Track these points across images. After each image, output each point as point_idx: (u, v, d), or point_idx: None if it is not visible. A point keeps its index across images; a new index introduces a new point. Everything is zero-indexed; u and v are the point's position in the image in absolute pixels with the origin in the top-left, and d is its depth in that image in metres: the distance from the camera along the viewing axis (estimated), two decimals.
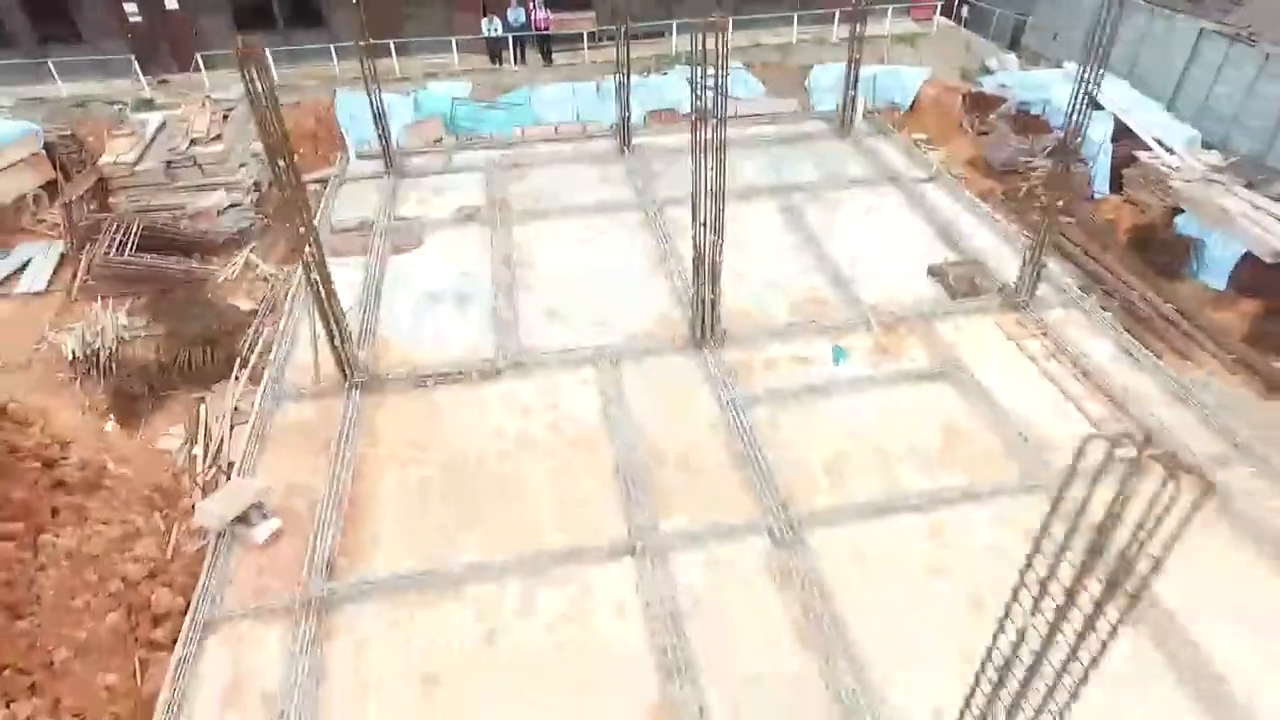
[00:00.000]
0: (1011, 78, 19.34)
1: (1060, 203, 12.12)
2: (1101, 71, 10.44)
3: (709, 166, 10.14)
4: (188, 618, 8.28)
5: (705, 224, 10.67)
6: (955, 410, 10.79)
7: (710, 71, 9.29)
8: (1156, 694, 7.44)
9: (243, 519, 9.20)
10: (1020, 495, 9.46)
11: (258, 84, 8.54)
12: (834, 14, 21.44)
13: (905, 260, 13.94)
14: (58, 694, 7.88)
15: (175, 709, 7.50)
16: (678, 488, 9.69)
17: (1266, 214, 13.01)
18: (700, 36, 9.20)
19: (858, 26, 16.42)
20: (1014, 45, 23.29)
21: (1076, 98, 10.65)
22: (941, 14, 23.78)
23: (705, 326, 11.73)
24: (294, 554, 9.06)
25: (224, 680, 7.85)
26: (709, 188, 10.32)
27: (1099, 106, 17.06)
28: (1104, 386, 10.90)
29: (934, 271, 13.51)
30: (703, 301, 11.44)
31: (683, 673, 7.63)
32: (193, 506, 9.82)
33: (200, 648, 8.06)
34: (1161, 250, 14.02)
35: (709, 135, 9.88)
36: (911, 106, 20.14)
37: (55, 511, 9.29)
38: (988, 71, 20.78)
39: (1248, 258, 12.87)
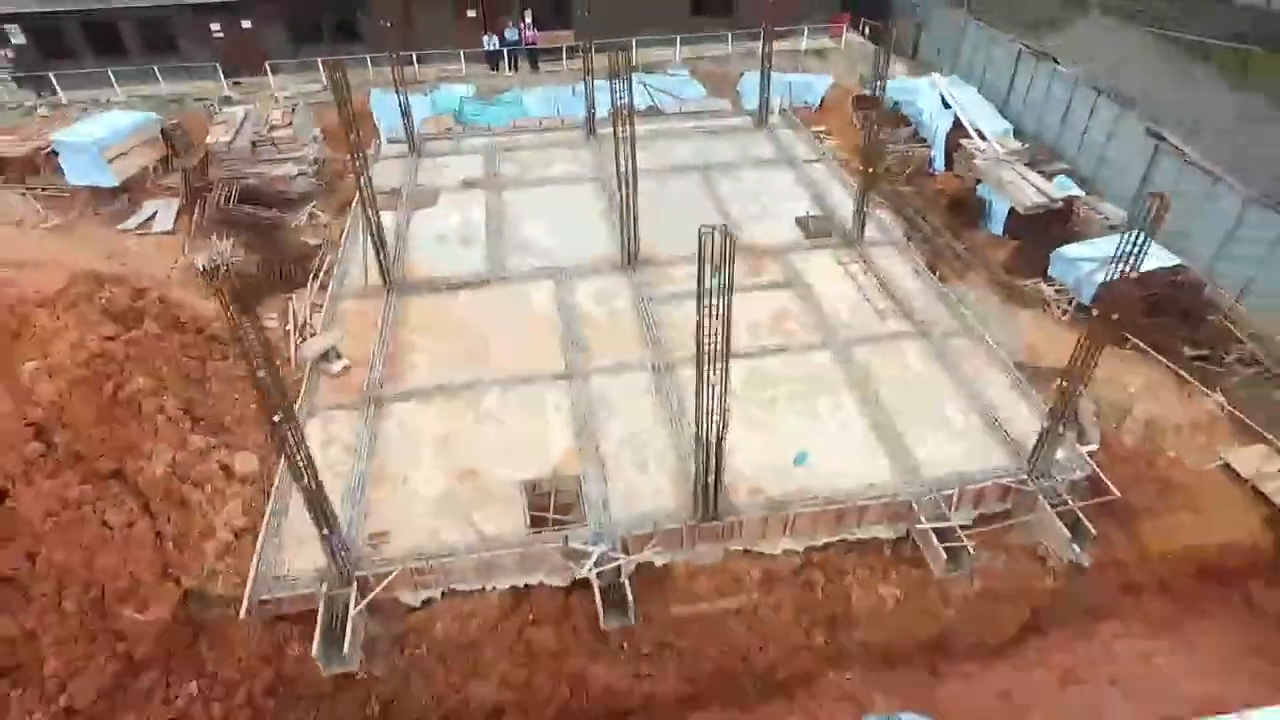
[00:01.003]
0: (893, 86, 24.79)
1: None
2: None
3: (624, 153, 15.60)
4: (297, 407, 13.88)
5: (628, 186, 16.15)
6: (789, 305, 16.31)
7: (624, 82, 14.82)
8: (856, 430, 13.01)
9: (324, 358, 14.84)
10: (814, 352, 14.99)
11: (339, 84, 14.17)
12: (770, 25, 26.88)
13: (783, 214, 19.47)
14: (229, 443, 13.51)
15: (296, 449, 13.10)
16: (600, 345, 15.27)
17: (1027, 182, 18.48)
18: (613, 56, 14.75)
19: (770, 44, 21.91)
20: (914, 56, 28.78)
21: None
22: (855, 31, 29.29)
23: (629, 254, 17.29)
24: (356, 381, 14.67)
25: (321, 438, 13.45)
26: (626, 166, 15.80)
27: (947, 105, 22.64)
28: (891, 291, 16.43)
29: (799, 221, 19.04)
30: (628, 238, 17.00)
31: (588, 434, 13.22)
32: (294, 350, 15.50)
33: (306, 424, 13.62)
34: (966, 209, 19.48)
35: (623, 129, 15.37)
36: (820, 105, 25.61)
37: (210, 353, 14.95)
38: (881, 78, 26.18)
39: (1013, 212, 18.35)
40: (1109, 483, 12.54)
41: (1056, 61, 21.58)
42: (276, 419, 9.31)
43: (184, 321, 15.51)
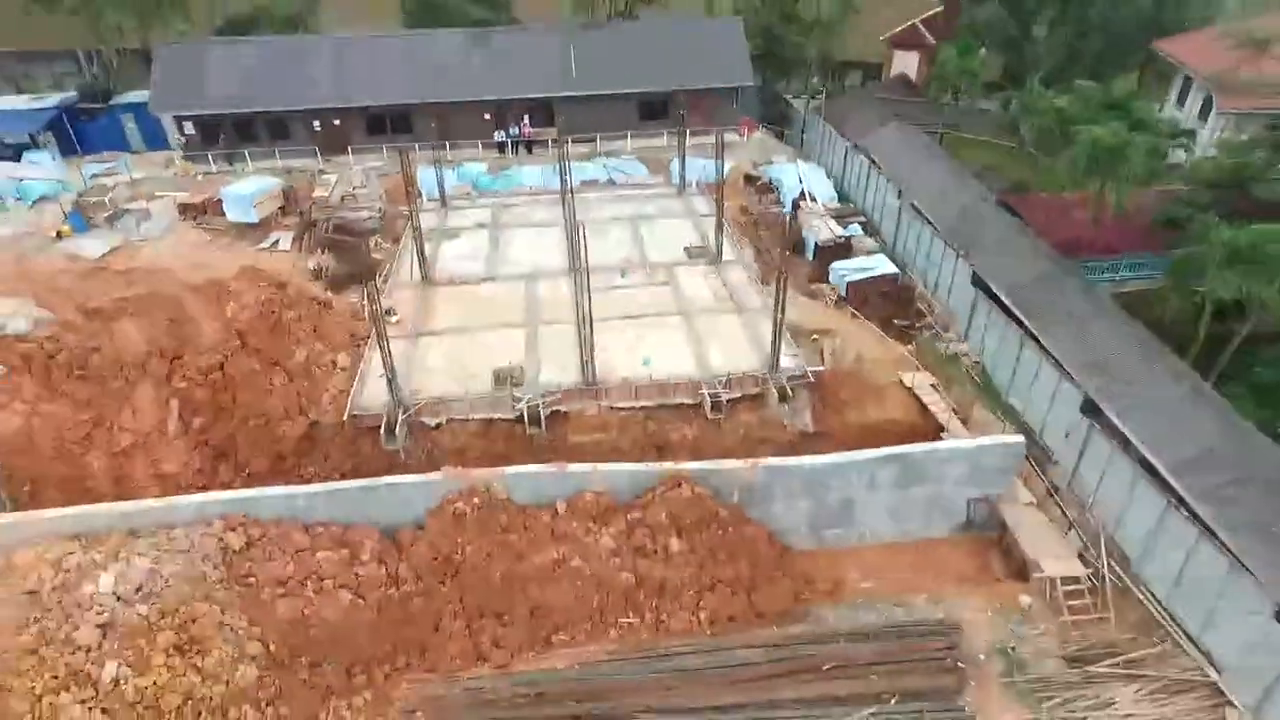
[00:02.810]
0: (770, 168, 36.08)
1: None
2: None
3: (572, 211, 26.73)
4: (372, 338, 24.65)
5: (575, 230, 27.22)
6: (667, 292, 27.00)
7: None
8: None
9: (387, 314, 25.71)
10: (671, 315, 25.59)
11: (404, 161, 25.55)
12: (687, 130, 38.56)
13: (677, 245, 30.38)
14: (333, 348, 24.33)
15: (382, 341, 23.87)
16: (547, 311, 26.00)
17: (826, 227, 29.34)
18: (564, 149, 26.02)
19: (684, 138, 33.23)
20: (801, 147, 40.23)
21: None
22: (765, 129, 40.91)
23: (577, 261, 28.21)
24: (408, 327, 25.48)
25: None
26: (574, 218, 26.93)
27: (800, 180, 33.81)
28: (728, 289, 27.11)
29: (685, 249, 29.94)
30: (577, 254, 27.95)
31: (533, 350, 23.89)
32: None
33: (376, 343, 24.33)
34: (797, 244, 30.29)
35: (572, 201, 26.54)
36: (724, 180, 36.83)
37: (318, 310, 25.95)
38: (770, 163, 37.56)
39: (817, 244, 29.15)
40: (811, 375, 22.79)
41: (867, 154, 32.76)
42: (374, 331, 20.09)
43: (300, 294, 26.56)
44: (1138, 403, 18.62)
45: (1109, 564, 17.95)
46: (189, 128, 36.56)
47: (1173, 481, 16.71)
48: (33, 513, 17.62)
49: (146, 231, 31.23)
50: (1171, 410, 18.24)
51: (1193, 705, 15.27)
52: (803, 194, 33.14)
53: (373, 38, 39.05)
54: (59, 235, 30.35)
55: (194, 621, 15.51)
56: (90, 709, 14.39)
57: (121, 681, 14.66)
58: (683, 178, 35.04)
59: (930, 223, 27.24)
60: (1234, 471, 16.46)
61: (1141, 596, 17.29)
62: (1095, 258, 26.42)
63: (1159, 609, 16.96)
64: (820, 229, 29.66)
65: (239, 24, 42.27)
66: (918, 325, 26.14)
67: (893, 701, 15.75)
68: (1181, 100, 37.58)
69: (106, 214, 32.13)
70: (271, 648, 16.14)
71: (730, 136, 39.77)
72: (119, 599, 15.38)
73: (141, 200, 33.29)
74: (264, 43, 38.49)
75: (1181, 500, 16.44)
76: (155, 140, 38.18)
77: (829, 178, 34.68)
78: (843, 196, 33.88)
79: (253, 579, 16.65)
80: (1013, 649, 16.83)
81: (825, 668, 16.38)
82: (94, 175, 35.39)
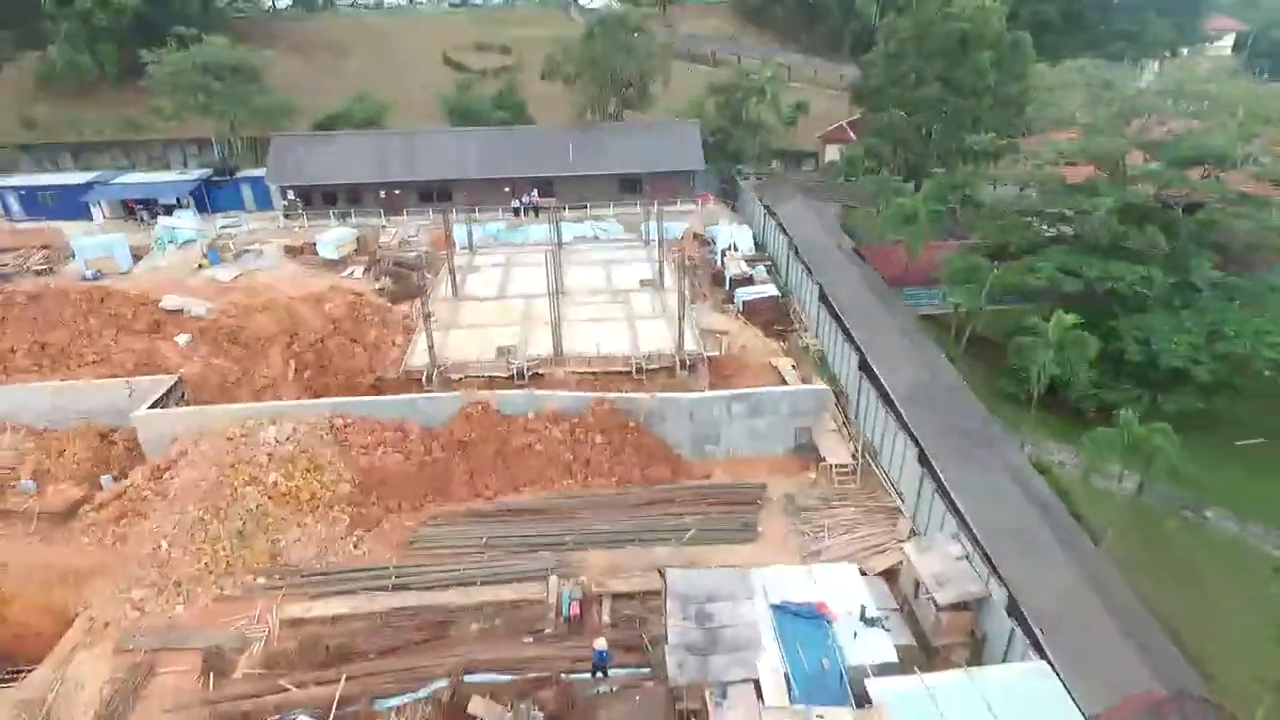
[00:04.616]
0: (713, 228, 48.58)
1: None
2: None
3: (557, 259, 39.38)
4: (418, 327, 37.01)
5: (555, 267, 39.81)
6: (620, 307, 39.15)
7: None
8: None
9: (428, 315, 38.13)
10: (620, 321, 37.67)
11: (446, 220, 38.41)
12: (654, 201, 51.41)
13: (635, 279, 42.70)
14: (392, 330, 36.75)
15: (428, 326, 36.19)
16: (536, 317, 38.29)
17: (738, 265, 41.49)
18: (554, 217, 38.75)
19: (656, 206, 45.96)
20: (741, 213, 52.85)
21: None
22: (717, 201, 53.70)
23: (558, 285, 40.61)
24: (442, 322, 37.86)
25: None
26: (557, 263, 39.55)
27: (730, 237, 46.29)
28: (665, 306, 39.23)
29: (641, 281, 42.22)
30: (557, 282, 40.38)
31: (523, 337, 36.10)
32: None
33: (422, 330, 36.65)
34: (720, 280, 42.40)
35: (557, 251, 39.16)
36: (681, 238, 49.41)
37: (383, 312, 38.54)
38: (715, 224, 50.09)
39: (732, 279, 41.29)
40: (708, 361, 34.45)
41: (775, 215, 45.20)
42: (425, 314, 32.53)
43: (370, 303, 39.14)
44: (887, 362, 30.11)
45: (864, 454, 29.11)
46: (290, 194, 50.34)
47: (894, 399, 28.06)
48: (224, 406, 29.86)
49: (260, 265, 44.53)
50: (902, 362, 29.68)
51: (883, 517, 26.24)
52: (731, 245, 45.52)
53: (425, 132, 53.18)
54: (200, 266, 43.72)
55: (316, 457, 27.33)
56: (261, 496, 26.15)
57: (277, 483, 26.44)
58: (647, 235, 47.70)
59: (804, 261, 39.35)
60: (926, 390, 27.78)
61: (875, 469, 28.41)
62: (914, 287, 38.22)
63: (883, 473, 28.08)
64: (732, 267, 41.91)
65: (329, 123, 56.84)
66: (790, 329, 37.93)
67: (713, 514, 26.90)
68: None
69: (232, 253, 45.63)
70: (356, 482, 27.81)
71: (688, 206, 52.87)
72: (276, 441, 27.33)
73: (257, 243, 46.91)
74: (346, 136, 52.76)
75: (897, 412, 27.74)
76: (264, 203, 52.12)
77: (752, 235, 47.17)
78: (760, 247, 46.23)
79: (347, 442, 28.48)
80: (790, 495, 27.93)
81: (679, 501, 27.61)
82: (223, 226, 49.22)
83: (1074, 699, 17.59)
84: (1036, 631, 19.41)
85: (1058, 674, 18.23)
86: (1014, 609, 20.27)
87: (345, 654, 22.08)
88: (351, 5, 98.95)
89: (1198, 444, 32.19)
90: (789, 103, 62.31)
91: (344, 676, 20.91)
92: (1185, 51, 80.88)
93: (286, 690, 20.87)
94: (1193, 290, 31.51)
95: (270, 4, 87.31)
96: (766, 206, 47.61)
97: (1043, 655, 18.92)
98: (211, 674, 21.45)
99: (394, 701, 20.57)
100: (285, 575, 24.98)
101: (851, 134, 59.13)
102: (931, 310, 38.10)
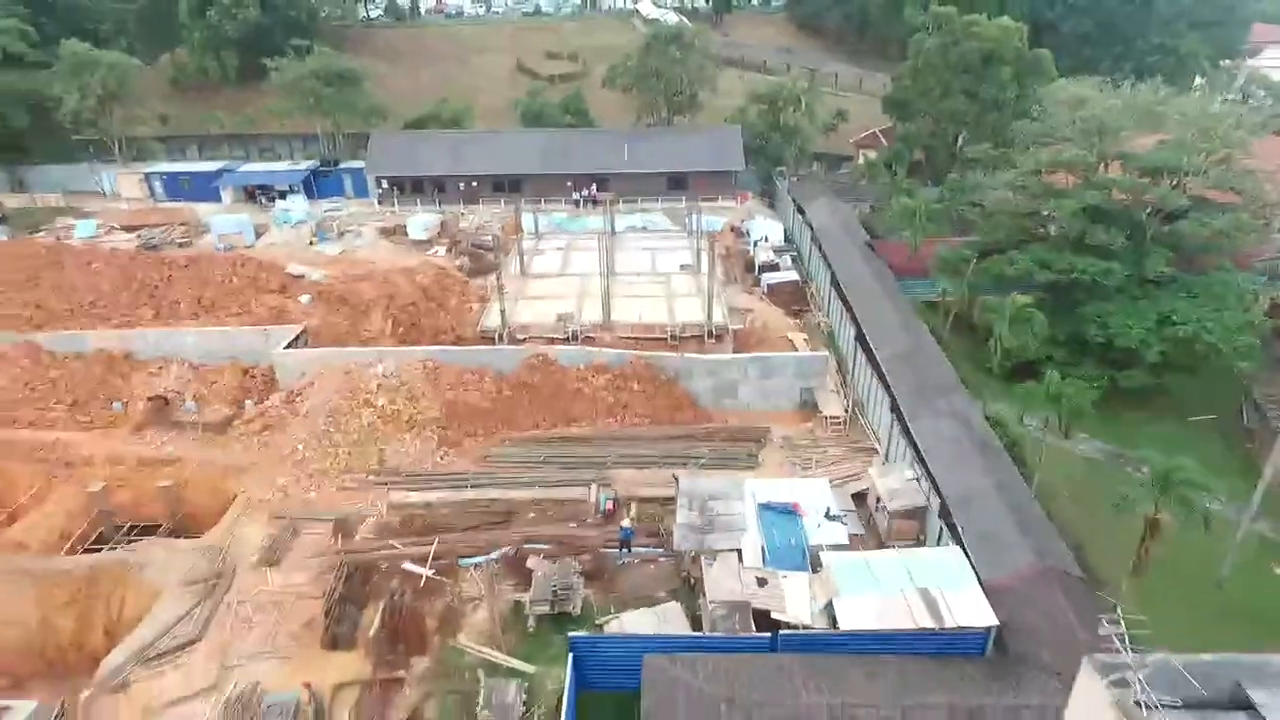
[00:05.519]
0: (749, 222, 54.79)
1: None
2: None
3: (609, 244, 46.32)
4: (492, 297, 44.42)
5: (607, 251, 46.75)
6: (661, 286, 45.86)
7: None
8: None
9: (500, 288, 45.51)
10: (660, 298, 44.38)
11: (516, 209, 45.74)
12: (698, 197, 57.82)
13: (677, 264, 49.33)
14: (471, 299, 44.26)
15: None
16: (590, 291, 45.31)
17: (766, 254, 47.68)
18: (609, 207, 45.68)
19: (699, 201, 52.50)
20: (774, 208, 58.91)
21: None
22: (756, 198, 59.88)
23: (609, 266, 47.56)
24: (511, 291, 45.23)
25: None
26: (609, 248, 46.51)
27: (764, 230, 52.56)
28: (701, 286, 45.83)
29: (681, 265, 48.83)
30: (609, 264, 47.34)
31: (577, 306, 43.19)
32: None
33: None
34: (751, 265, 48.65)
35: (610, 238, 46.08)
36: (721, 230, 55.80)
37: (464, 288, 46.10)
38: (751, 219, 56.30)
39: (760, 266, 47.53)
40: (733, 333, 40.83)
41: (803, 212, 51.24)
42: (499, 286, 39.86)
43: (452, 276, 46.69)
44: (880, 335, 36.10)
45: (854, 409, 35.18)
46: (384, 183, 58.53)
47: (879, 363, 34.08)
48: (341, 348, 37.77)
49: (359, 243, 52.71)
50: (893, 336, 35.64)
51: (863, 456, 32.38)
52: (763, 237, 51.74)
53: (499, 133, 60.74)
54: (310, 243, 52.09)
55: (413, 390, 34.82)
56: (372, 415, 33.76)
57: (384, 407, 34.02)
58: (690, 227, 54.28)
59: (821, 251, 45.40)
60: (907, 357, 33.73)
61: (862, 421, 34.50)
62: (916, 278, 43.89)
63: (867, 424, 34.15)
64: (761, 256, 48.21)
65: (417, 123, 65.07)
66: (806, 309, 44.05)
67: (724, 447, 33.43)
68: None
69: (336, 232, 53.98)
70: (443, 411, 35.18)
71: (728, 202, 59.29)
72: (384, 375, 34.93)
73: (355, 225, 55.20)
74: (434, 134, 60.81)
75: (881, 373, 33.75)
76: (361, 191, 60.51)
77: (783, 228, 53.29)
78: (789, 240, 52.31)
79: (436, 380, 35.89)
80: (788, 437, 34.22)
81: (696, 437, 34.22)
82: (327, 210, 57.73)
83: (975, 570, 23.63)
84: (958, 529, 25.41)
85: (967, 555, 24.26)
86: (944, 513, 26.28)
87: (436, 528, 29.36)
88: (437, 13, 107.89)
89: (1158, 418, 37.42)
90: (830, 110, 68.10)
91: (436, 541, 28.18)
92: (1227, 63, 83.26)
93: (394, 549, 28.25)
94: (1153, 284, 36.45)
95: (365, 15, 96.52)
96: (797, 203, 53.70)
97: (960, 544, 24.94)
98: (340, 535, 28.97)
99: (473, 560, 27.73)
100: (389, 474, 32.49)
101: (883, 140, 64.52)
102: (933, 298, 43.60)
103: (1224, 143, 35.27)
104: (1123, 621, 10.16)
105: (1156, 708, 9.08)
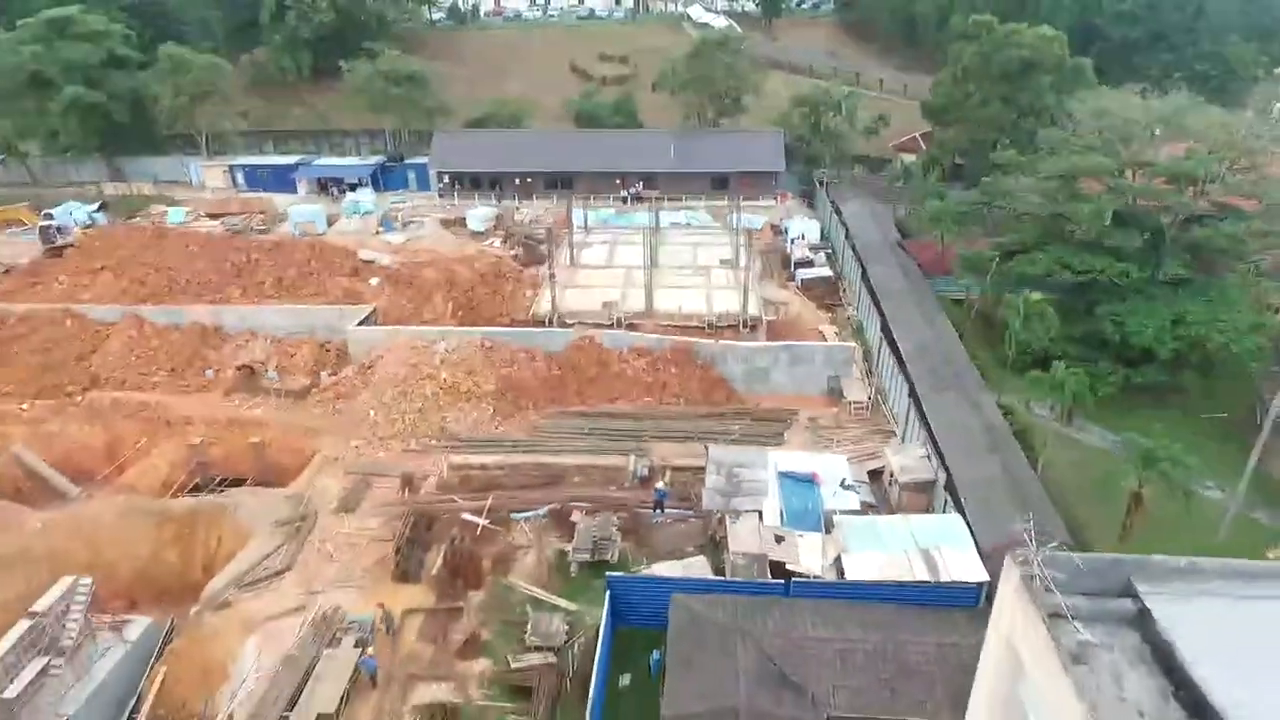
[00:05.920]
0: (787, 221, 57.35)
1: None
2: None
3: (653, 239, 49.50)
4: (544, 285, 47.96)
5: (651, 246, 49.91)
6: (702, 278, 48.86)
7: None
8: None
9: (551, 277, 49.04)
10: (700, 289, 47.42)
11: (567, 204, 49.16)
12: (739, 196, 60.54)
13: (717, 258, 52.27)
14: (521, 285, 47.90)
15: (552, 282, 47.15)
16: (632, 282, 48.56)
17: (803, 251, 50.30)
18: (655, 208, 48.86)
19: (740, 200, 55.39)
20: (813, 207, 61.34)
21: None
22: (795, 198, 62.41)
23: (652, 259, 50.73)
24: (561, 279, 48.74)
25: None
26: (653, 242, 49.70)
27: (801, 229, 55.18)
28: (737, 278, 48.75)
29: (721, 260, 51.77)
30: (653, 257, 50.55)
31: (621, 294, 46.49)
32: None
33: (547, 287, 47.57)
34: (788, 262, 51.32)
35: (654, 233, 49.25)
36: (761, 229, 58.50)
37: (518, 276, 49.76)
38: (789, 217, 58.83)
39: (795, 262, 50.19)
40: (766, 323, 43.63)
41: (840, 212, 53.69)
42: (550, 273, 43.40)
43: (507, 265, 50.36)
44: (903, 328, 38.57)
45: (876, 396, 37.75)
46: (446, 179, 62.64)
47: (901, 353, 36.59)
48: (407, 326, 41.66)
49: (422, 233, 56.85)
50: (916, 330, 38.08)
51: (881, 438, 34.98)
52: (801, 235, 54.35)
53: (554, 132, 64.39)
54: (377, 232, 56.39)
55: (472, 366, 38.49)
56: (434, 386, 37.53)
57: (445, 379, 37.76)
58: (733, 224, 57.15)
59: (854, 248, 47.89)
60: (928, 349, 36.18)
61: (883, 407, 37.07)
62: (945, 276, 46.09)
63: (888, 410, 36.70)
64: (797, 253, 50.88)
65: (477, 122, 69.14)
66: (838, 304, 46.61)
67: (752, 426, 36.33)
68: None
69: (400, 223, 58.24)
70: (498, 385, 38.76)
71: (769, 202, 62.00)
72: (446, 352, 38.69)
73: (418, 216, 59.41)
74: (493, 133, 64.75)
75: (902, 361, 36.26)
76: (424, 185, 64.77)
77: (820, 227, 55.80)
78: (825, 238, 54.83)
79: (492, 358, 39.50)
80: (813, 419, 36.95)
81: (728, 416, 37.19)
82: (392, 202, 62.10)
83: (973, 535, 26.20)
84: (961, 500, 27.95)
85: (967, 522, 26.82)
86: (949, 486, 28.84)
87: (491, 486, 32.89)
88: (495, 15, 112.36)
89: (1171, 414, 39.15)
90: (872, 114, 70.18)
91: (491, 498, 31.71)
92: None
93: (454, 502, 31.86)
94: (1170, 285, 38.17)
95: (429, 18, 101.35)
96: (834, 204, 56.17)
97: (961, 513, 27.50)
98: (406, 489, 32.71)
99: (523, 514, 31.18)
100: (450, 439, 36.18)
101: (923, 144, 66.42)
102: (959, 296, 45.77)
103: (1244, 151, 36.80)
104: (1032, 523, 12.99)
105: (1053, 591, 11.82)
